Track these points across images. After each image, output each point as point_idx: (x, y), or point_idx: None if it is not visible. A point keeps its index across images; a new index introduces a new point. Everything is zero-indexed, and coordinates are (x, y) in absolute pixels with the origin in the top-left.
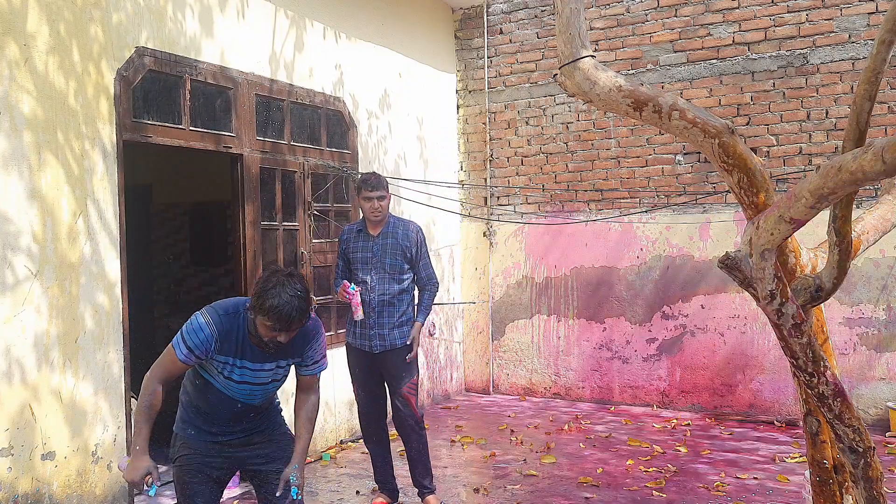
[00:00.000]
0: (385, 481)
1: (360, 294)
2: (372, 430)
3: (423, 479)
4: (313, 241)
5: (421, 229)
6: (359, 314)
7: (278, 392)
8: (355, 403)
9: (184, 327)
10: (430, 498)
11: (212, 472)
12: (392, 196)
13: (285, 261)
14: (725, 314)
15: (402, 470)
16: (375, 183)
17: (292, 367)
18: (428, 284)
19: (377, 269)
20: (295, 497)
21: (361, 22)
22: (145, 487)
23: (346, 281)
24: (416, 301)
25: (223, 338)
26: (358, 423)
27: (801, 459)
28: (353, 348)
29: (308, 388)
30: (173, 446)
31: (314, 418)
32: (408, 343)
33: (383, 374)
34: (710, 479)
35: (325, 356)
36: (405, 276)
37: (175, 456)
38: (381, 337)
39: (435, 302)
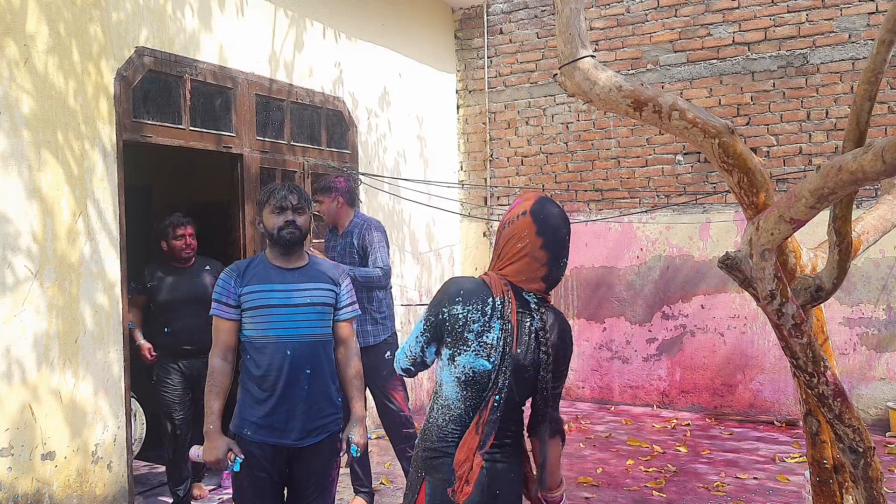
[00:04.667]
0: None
1: None
2: None
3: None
4: (313, 240)
5: (375, 226)
6: None
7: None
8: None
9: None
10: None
11: (274, 475)
12: (335, 199)
13: None
14: (725, 314)
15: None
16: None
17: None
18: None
19: None
20: (354, 455)
21: (361, 22)
22: (229, 463)
23: None
24: (391, 308)
25: (243, 273)
26: None
27: (801, 459)
28: None
29: (346, 340)
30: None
31: (361, 374)
32: (383, 339)
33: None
34: (710, 479)
35: (355, 301)
36: None
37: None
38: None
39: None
